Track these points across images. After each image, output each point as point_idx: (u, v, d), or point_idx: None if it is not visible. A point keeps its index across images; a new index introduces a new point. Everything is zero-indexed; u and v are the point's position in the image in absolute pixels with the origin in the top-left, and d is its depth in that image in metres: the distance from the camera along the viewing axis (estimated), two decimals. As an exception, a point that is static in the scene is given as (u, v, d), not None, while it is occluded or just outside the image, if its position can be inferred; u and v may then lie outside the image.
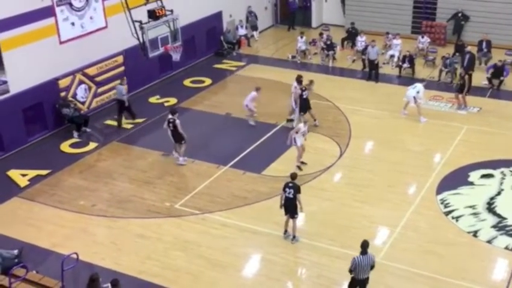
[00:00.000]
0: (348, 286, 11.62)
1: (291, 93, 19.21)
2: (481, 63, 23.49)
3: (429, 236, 13.81)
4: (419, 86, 19.54)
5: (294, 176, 13.68)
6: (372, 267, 11.28)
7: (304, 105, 18.62)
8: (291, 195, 13.29)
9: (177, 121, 16.75)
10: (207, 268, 12.93)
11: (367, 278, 11.36)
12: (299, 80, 18.99)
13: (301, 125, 16.53)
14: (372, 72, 22.98)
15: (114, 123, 19.92)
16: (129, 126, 19.70)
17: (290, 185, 13.39)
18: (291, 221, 13.58)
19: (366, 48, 24.02)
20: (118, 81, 20.04)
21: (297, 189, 13.27)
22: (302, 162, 16.78)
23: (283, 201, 13.43)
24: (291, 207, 13.39)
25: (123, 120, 19.81)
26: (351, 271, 11.29)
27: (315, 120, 18.95)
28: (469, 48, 22.61)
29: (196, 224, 14.47)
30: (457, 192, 15.52)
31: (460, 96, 20.21)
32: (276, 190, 15.71)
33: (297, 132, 16.35)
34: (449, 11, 26.56)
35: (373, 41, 23.01)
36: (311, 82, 19.21)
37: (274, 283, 12.50)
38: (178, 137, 16.93)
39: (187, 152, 17.59)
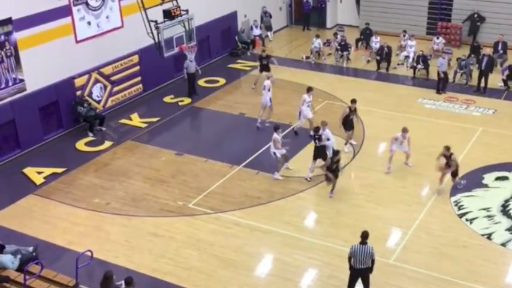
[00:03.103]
0: (349, 278, 11.65)
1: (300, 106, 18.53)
2: (496, 65, 23.33)
3: (442, 238, 13.76)
4: (326, 133, 16.43)
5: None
6: (373, 261, 11.34)
7: (347, 124, 17.68)
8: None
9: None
10: (219, 267, 13.00)
11: (367, 271, 11.39)
12: (352, 100, 17.69)
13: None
14: (440, 83, 21.74)
15: (129, 121, 20.11)
16: (144, 125, 19.85)
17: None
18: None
19: (380, 49, 24.01)
20: (133, 81, 20.33)
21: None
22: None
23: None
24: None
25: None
26: (349, 258, 11.39)
27: (346, 143, 17.75)
28: (488, 50, 22.47)
29: (209, 223, 14.54)
30: (471, 194, 15.44)
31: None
32: (289, 190, 15.78)
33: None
34: (465, 12, 26.38)
35: (444, 52, 22.25)
36: (309, 88, 18.42)
37: (286, 283, 12.54)
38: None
39: (202, 151, 17.75)
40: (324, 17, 29.85)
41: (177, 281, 12.54)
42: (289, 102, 20.63)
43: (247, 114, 20.32)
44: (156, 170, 17.05)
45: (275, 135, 16.19)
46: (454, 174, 15.58)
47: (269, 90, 19.20)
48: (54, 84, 18.71)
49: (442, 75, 21.65)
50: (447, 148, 15.37)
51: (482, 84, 21.73)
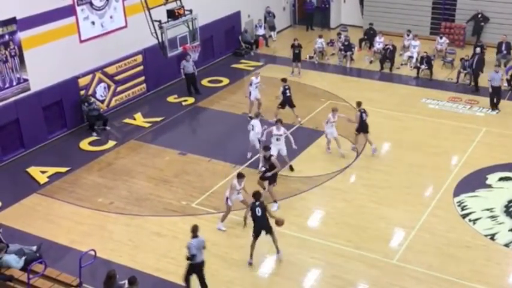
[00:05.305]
0: (186, 275, 11.98)
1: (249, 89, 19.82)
2: (500, 65, 23.29)
3: (445, 239, 13.75)
4: (253, 122, 17.06)
5: None
6: (204, 248, 11.87)
7: (363, 127, 17.35)
8: None
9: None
10: (223, 267, 13.02)
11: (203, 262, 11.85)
12: (359, 103, 17.41)
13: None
14: (494, 98, 20.20)
15: (133, 121, 20.15)
16: (147, 125, 19.88)
17: None
18: None
19: (386, 49, 23.95)
20: (137, 80, 20.41)
21: None
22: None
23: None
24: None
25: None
26: (193, 256, 11.64)
27: (371, 144, 17.37)
28: (477, 50, 22.41)
29: (212, 223, 14.55)
30: (474, 194, 15.42)
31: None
32: (292, 190, 15.79)
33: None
34: (468, 12, 26.36)
35: (497, 66, 21.49)
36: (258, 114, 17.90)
37: (289, 283, 12.55)
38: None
39: (206, 151, 17.74)
40: (327, 17, 29.84)
41: (179, 281, 12.53)
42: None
43: (250, 114, 20.30)
44: (159, 170, 17.08)
45: (234, 181, 14.16)
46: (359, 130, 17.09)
47: (252, 86, 19.67)
48: (58, 83, 18.77)
49: (491, 89, 20.19)
50: (358, 103, 17.14)
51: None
